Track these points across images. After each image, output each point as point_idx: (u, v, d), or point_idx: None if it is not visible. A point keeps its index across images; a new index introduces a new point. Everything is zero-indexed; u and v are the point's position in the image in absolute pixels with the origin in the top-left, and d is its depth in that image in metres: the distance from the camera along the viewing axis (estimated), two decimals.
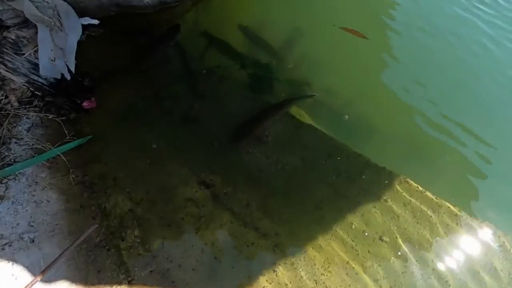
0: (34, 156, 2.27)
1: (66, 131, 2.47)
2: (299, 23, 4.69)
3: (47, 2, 2.96)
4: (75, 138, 2.53)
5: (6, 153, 2.20)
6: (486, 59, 4.57)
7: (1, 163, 2.16)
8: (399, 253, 2.97)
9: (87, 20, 3.37)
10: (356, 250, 2.93)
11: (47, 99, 2.60)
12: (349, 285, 2.76)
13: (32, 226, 2.03)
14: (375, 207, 3.17)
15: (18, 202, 2.06)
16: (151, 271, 2.41)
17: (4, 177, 2.17)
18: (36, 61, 2.71)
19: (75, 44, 3.00)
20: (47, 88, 2.67)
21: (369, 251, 2.98)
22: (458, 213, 3.24)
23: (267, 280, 2.65)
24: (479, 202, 3.41)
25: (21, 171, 2.20)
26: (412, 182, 3.37)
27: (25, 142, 2.28)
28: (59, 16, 2.97)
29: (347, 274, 2.81)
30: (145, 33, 3.71)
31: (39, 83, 2.64)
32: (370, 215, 3.13)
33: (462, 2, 4.81)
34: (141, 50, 3.47)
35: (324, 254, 2.86)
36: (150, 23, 3.74)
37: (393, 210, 3.18)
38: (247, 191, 3.09)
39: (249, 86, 4.15)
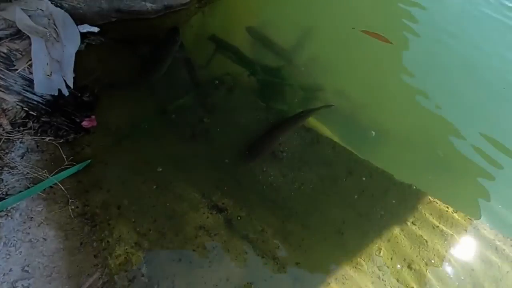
0: (29, 187, 2.04)
1: (64, 156, 2.23)
2: (309, 23, 4.42)
3: (41, 10, 2.69)
4: (74, 163, 2.29)
5: None
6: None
7: None
8: (429, 284, 2.72)
9: (86, 28, 3.10)
10: (383, 280, 2.68)
11: (43, 119, 2.35)
12: None
13: (27, 271, 1.80)
14: (402, 231, 2.91)
15: (11, 243, 1.83)
16: None
17: None
18: (30, 76, 2.46)
19: (73, 55, 2.73)
20: (43, 106, 2.42)
21: (397, 280, 2.73)
22: (493, 237, 2.98)
23: None
24: None
25: (14, 205, 1.97)
26: (440, 202, 3.10)
27: (19, 171, 2.05)
28: (55, 25, 2.71)
29: None
30: (148, 40, 3.44)
31: (34, 102, 2.39)
32: (396, 240, 2.86)
33: (491, 1, 4.46)
34: (146, 61, 3.20)
35: (349, 286, 2.61)
36: (153, 28, 3.46)
37: (421, 234, 2.92)
38: (263, 215, 2.84)
39: (260, 94, 3.91)
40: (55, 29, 2.68)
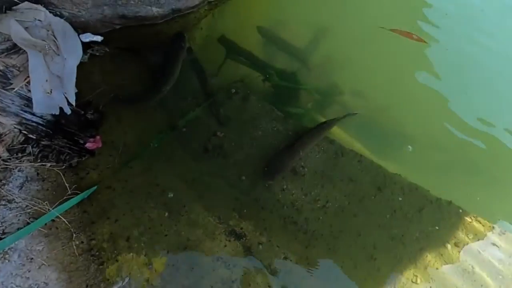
0: (28, 223, 1.83)
1: (66, 184, 2.02)
2: (324, 22, 4.11)
3: (39, 20, 2.46)
4: (78, 191, 2.08)
5: None
6: None
7: None
8: None
9: (89, 37, 2.87)
10: None
11: (43, 143, 2.14)
12: None
13: None
14: (441, 256, 2.60)
15: None
16: None
17: None
18: (29, 95, 2.25)
19: (75, 69, 2.50)
20: (43, 128, 2.21)
21: None
22: None
23: None
24: None
25: (12, 245, 1.77)
26: (484, 221, 2.77)
27: (17, 204, 1.84)
28: (55, 37, 2.48)
29: None
30: (156, 47, 3.19)
31: (34, 123, 2.18)
32: (436, 267, 2.56)
33: None
34: (153, 73, 2.95)
35: None
36: (160, 35, 3.21)
37: (465, 260, 2.60)
38: (284, 240, 2.57)
39: (275, 100, 3.64)
40: (54, 41, 2.45)
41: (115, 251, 2.04)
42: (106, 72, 2.86)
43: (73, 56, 2.51)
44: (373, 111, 3.82)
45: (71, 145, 2.24)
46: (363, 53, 4.00)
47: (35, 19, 2.45)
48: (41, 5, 2.48)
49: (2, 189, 1.84)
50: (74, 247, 1.92)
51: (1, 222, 1.75)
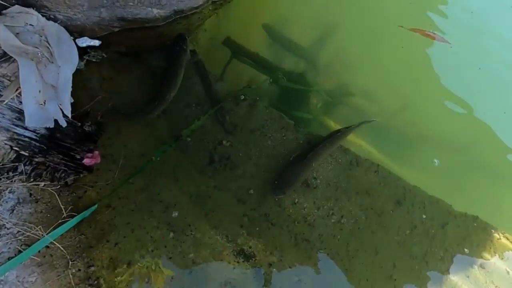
0: (20, 251, 1.67)
1: (62, 206, 1.86)
2: (332, 19, 3.88)
3: (31, 25, 2.28)
4: (75, 213, 1.91)
5: None
6: None
7: None
8: None
9: (85, 41, 2.68)
10: None
11: (36, 160, 1.98)
12: None
13: None
14: (467, 277, 2.41)
15: None
16: None
17: None
18: (20, 107, 2.08)
19: (70, 77, 2.33)
20: (37, 143, 2.04)
21: None
22: None
23: None
24: None
25: (2, 277, 1.61)
26: None
27: (8, 230, 1.69)
28: (48, 43, 2.30)
29: None
30: (157, 50, 2.99)
31: (26, 139, 2.02)
32: None
33: None
34: (155, 81, 2.76)
35: None
36: (162, 37, 3.01)
37: (492, 281, 2.41)
38: (297, 259, 2.40)
39: (282, 103, 3.45)
40: (48, 47, 2.27)
41: (116, 279, 1.89)
42: (105, 78, 2.68)
43: (68, 63, 2.33)
44: (387, 113, 3.64)
45: (67, 161, 2.07)
46: (374, 51, 3.79)
47: (27, 23, 2.27)
48: (33, 8, 2.29)
49: None
50: (71, 276, 1.76)
51: None
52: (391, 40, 3.83)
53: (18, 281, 1.62)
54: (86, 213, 1.95)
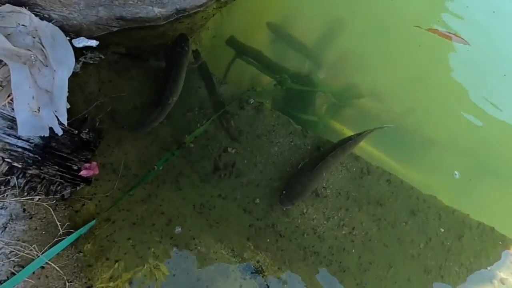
0: (13, 273, 1.55)
1: (58, 222, 1.73)
2: (338, 16, 3.73)
3: (23, 25, 2.13)
4: (72, 230, 1.79)
5: None
6: None
7: None
8: None
9: (82, 42, 2.53)
10: None
11: (30, 172, 1.85)
12: None
13: None
14: None
15: None
16: None
17: None
18: (13, 115, 1.94)
19: (66, 81, 2.18)
20: (31, 154, 1.91)
21: None
22: None
23: None
24: None
25: None
26: None
27: (0, 251, 1.57)
28: (42, 45, 2.15)
29: None
30: (159, 51, 2.84)
31: (19, 149, 1.88)
32: None
33: None
34: (157, 86, 2.61)
35: None
36: (164, 37, 2.86)
37: None
38: (306, 273, 2.28)
39: (288, 105, 3.33)
40: (42, 49, 2.12)
41: None
42: (103, 82, 2.53)
43: (64, 66, 2.18)
44: (397, 117, 3.51)
45: (63, 172, 1.94)
46: (383, 51, 3.64)
47: (19, 24, 2.12)
48: (25, 7, 2.15)
49: None
50: None
51: None
52: (402, 39, 3.68)
53: None
54: (83, 230, 1.83)
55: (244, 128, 2.75)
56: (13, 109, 1.96)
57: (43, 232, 1.74)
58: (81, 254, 1.86)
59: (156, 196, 2.26)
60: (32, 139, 1.94)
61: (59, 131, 2.07)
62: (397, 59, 3.63)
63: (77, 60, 2.44)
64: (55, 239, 1.71)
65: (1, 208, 1.67)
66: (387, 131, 3.02)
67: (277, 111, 2.87)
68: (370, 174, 2.69)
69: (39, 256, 1.63)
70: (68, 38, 2.46)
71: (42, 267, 1.67)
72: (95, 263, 1.86)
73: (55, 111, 2.08)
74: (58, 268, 1.66)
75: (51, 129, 2.05)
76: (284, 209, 2.46)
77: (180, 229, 2.12)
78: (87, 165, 1.99)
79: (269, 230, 2.41)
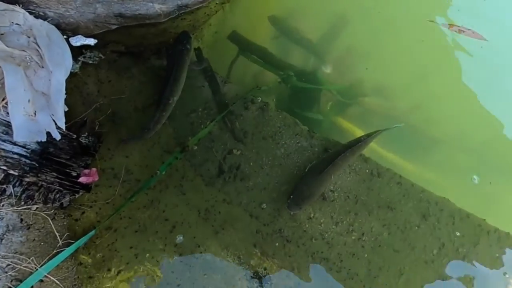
0: None
1: (57, 233, 1.66)
2: (343, 9, 3.60)
3: (17, 24, 2.02)
4: (72, 240, 1.72)
5: None
6: None
7: None
8: None
9: (80, 40, 2.43)
10: None
11: (27, 179, 1.77)
12: None
13: None
14: None
15: None
16: None
17: None
18: (8, 119, 1.86)
19: (64, 83, 2.09)
20: (27, 161, 1.83)
21: None
22: None
23: None
24: None
25: None
26: None
27: None
28: (38, 45, 2.05)
29: None
30: (160, 49, 2.72)
31: (15, 156, 1.80)
32: None
33: None
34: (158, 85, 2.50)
35: None
36: (165, 34, 2.74)
37: None
38: (314, 281, 2.22)
39: (293, 103, 3.23)
40: (37, 49, 2.02)
41: None
42: (103, 82, 2.43)
43: (61, 67, 2.08)
44: (403, 112, 3.42)
45: (62, 179, 1.86)
46: (390, 45, 3.52)
47: (12, 23, 2.01)
48: (19, 5, 2.04)
49: None
50: None
51: None
52: (410, 34, 3.55)
53: None
54: (82, 241, 1.75)
55: (249, 129, 2.65)
56: (8, 113, 1.88)
57: (42, 243, 1.67)
58: (81, 265, 1.79)
59: (159, 202, 2.18)
60: (29, 145, 1.86)
61: (57, 136, 1.98)
62: (404, 55, 3.51)
63: (75, 60, 2.35)
64: (54, 251, 1.64)
65: None
66: (396, 130, 2.92)
67: (283, 112, 2.76)
68: (380, 176, 2.59)
69: (37, 269, 1.56)
70: (65, 36, 2.36)
71: (41, 281, 1.60)
72: (96, 275, 1.79)
73: (52, 115, 1.98)
74: (57, 282, 1.59)
75: (48, 133, 1.96)
76: (292, 214, 2.39)
77: (182, 237, 2.04)
78: (86, 171, 1.91)
79: (276, 236, 2.33)
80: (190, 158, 2.48)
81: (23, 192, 1.71)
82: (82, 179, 1.88)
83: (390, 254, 2.33)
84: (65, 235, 1.72)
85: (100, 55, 2.38)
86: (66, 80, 2.11)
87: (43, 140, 1.92)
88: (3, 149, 1.76)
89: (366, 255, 2.28)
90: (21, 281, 1.53)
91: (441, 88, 3.38)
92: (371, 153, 2.75)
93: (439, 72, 3.46)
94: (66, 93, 2.16)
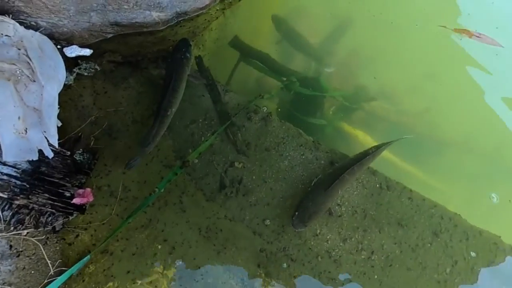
0: None
1: (48, 261, 1.55)
2: (347, 11, 3.49)
3: (7, 36, 1.92)
4: (65, 266, 1.61)
5: None
6: None
7: None
8: None
9: (75, 51, 2.32)
10: None
11: (17, 202, 1.67)
12: None
13: None
14: None
15: None
16: None
17: None
18: None
19: (56, 97, 1.98)
20: (17, 181, 1.72)
21: None
22: None
23: None
24: None
25: None
26: None
27: None
28: (29, 58, 1.94)
29: None
30: (159, 58, 2.61)
31: (4, 177, 1.69)
32: None
33: None
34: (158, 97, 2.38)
35: None
36: (164, 42, 2.63)
37: None
38: None
39: (295, 109, 3.14)
40: (28, 62, 1.91)
41: None
42: (99, 93, 2.33)
43: (54, 80, 1.97)
44: (409, 116, 3.32)
45: (55, 201, 1.75)
46: (395, 48, 3.41)
47: (1, 34, 1.91)
48: (9, 15, 1.94)
49: None
50: None
51: None
52: (417, 36, 3.43)
53: None
54: (75, 268, 1.65)
55: (251, 140, 2.54)
56: None
57: (32, 272, 1.56)
58: None
59: (157, 221, 2.07)
60: (19, 165, 1.76)
61: (49, 154, 1.87)
62: (410, 58, 3.40)
63: (70, 71, 2.25)
64: (46, 280, 1.54)
65: None
66: (408, 141, 2.81)
67: (286, 122, 2.65)
68: (389, 189, 2.47)
69: None
70: (59, 47, 2.26)
71: None
72: None
73: (44, 132, 1.88)
74: None
75: (40, 151, 1.86)
76: (297, 231, 2.28)
77: (181, 262, 1.93)
78: (80, 191, 1.81)
79: (281, 255, 2.22)
80: (190, 171, 2.37)
81: (12, 216, 1.61)
82: (76, 200, 1.78)
83: (401, 274, 2.21)
84: (58, 262, 1.62)
85: (96, 66, 2.27)
86: (60, 93, 2.01)
87: (34, 159, 1.81)
88: None
89: (376, 276, 2.17)
90: None
91: (449, 90, 3.28)
92: (379, 160, 2.63)
93: (449, 76, 3.36)
94: (59, 107, 2.06)
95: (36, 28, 2.06)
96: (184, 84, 2.45)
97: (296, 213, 2.22)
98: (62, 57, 2.13)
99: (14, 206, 1.63)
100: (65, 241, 1.75)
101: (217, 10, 2.68)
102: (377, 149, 2.42)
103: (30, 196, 1.69)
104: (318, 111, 3.35)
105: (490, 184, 2.49)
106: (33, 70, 1.92)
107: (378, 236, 2.30)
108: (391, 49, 3.43)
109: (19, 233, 1.58)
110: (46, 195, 1.73)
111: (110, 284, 1.75)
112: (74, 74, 2.24)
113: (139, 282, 1.79)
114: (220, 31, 3.21)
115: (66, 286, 1.67)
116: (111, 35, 2.40)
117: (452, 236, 2.30)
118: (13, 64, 1.86)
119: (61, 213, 1.75)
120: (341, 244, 2.30)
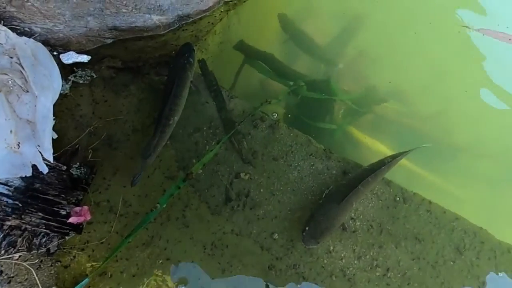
0: None
1: (41, 287, 1.44)
2: (356, 10, 3.33)
3: None
4: None
5: None
6: None
7: None
8: None
9: (72, 58, 2.21)
10: None
11: (9, 223, 1.56)
12: None
13: None
14: None
15: None
16: None
17: None
18: None
19: (51, 108, 1.87)
20: (9, 200, 1.61)
21: None
22: None
23: None
24: None
25: None
26: None
27: None
28: (22, 66, 1.83)
29: None
30: (161, 63, 2.49)
31: None
32: None
33: None
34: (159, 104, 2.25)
35: None
36: (166, 47, 2.50)
37: None
38: None
39: (304, 113, 2.99)
40: (21, 71, 1.80)
41: None
42: (98, 102, 2.21)
43: (48, 90, 1.85)
44: (422, 118, 3.16)
45: (49, 220, 1.64)
46: (407, 48, 3.24)
47: None
48: (0, 22, 1.83)
49: None
50: None
51: None
52: (427, 35, 3.26)
53: None
54: None
55: (258, 149, 2.40)
56: None
57: None
58: None
59: (160, 238, 1.95)
60: (12, 182, 1.64)
61: (44, 169, 1.76)
62: (423, 58, 3.23)
63: (65, 80, 2.13)
64: None
65: None
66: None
67: (294, 129, 2.50)
68: (405, 202, 2.31)
69: None
70: (55, 53, 2.15)
71: None
72: None
73: (38, 146, 1.77)
74: None
75: (34, 167, 1.75)
76: (308, 248, 2.13)
77: (184, 285, 1.80)
78: (77, 209, 1.69)
79: (291, 273, 2.08)
80: (194, 183, 2.24)
81: (3, 238, 1.50)
82: (72, 219, 1.66)
83: None
84: (53, 287, 1.52)
85: (92, 73, 2.15)
86: (56, 103, 1.90)
87: (28, 175, 1.70)
88: None
89: None
90: None
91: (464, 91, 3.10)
92: (393, 173, 2.48)
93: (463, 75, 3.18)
94: (55, 118, 1.95)
95: (30, 34, 1.95)
96: (187, 90, 2.32)
97: (307, 228, 2.07)
98: (59, 64, 2.02)
99: (5, 227, 1.52)
100: (60, 264, 1.64)
101: (221, 12, 2.54)
102: (393, 159, 2.26)
103: (22, 216, 1.57)
104: (328, 115, 3.20)
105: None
106: (26, 80, 1.81)
107: (395, 252, 2.14)
108: (402, 49, 3.27)
109: (10, 257, 1.47)
110: (40, 214, 1.62)
111: None
112: (70, 82, 2.12)
113: None
114: (224, 34, 3.07)
115: None
116: (110, 40, 2.27)
117: (478, 254, 2.13)
118: (5, 74, 1.74)
119: (56, 234, 1.64)
120: (355, 261, 2.14)
